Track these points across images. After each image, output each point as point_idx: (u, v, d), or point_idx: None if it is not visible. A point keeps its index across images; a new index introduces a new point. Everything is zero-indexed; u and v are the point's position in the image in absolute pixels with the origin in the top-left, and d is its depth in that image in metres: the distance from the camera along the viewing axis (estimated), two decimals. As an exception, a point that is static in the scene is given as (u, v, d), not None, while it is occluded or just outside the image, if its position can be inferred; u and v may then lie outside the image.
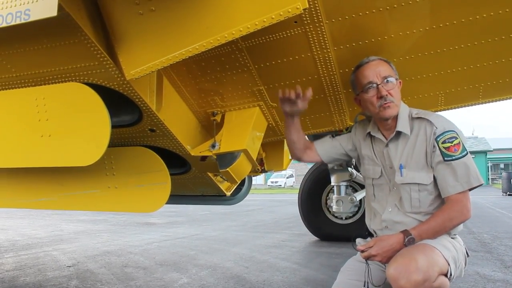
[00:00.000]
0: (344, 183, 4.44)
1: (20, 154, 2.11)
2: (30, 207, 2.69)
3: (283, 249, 4.87)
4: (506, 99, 2.47)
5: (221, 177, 3.17)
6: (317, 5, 1.90)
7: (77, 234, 6.44)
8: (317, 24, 2.00)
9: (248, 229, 7.03)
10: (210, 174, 3.04)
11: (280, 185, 38.81)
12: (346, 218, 5.17)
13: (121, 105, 2.10)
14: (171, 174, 2.36)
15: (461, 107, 2.55)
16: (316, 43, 2.10)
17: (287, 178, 40.27)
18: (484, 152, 41.71)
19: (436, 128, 1.73)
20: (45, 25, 1.67)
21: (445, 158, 1.70)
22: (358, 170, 4.07)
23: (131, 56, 1.80)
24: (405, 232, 1.64)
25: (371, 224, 1.95)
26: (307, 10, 1.88)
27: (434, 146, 1.72)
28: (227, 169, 2.48)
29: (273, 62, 2.24)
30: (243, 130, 2.44)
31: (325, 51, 2.14)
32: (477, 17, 1.98)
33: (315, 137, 4.36)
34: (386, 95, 1.77)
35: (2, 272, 3.76)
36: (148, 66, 1.76)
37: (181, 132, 2.43)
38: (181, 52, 1.69)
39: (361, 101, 1.89)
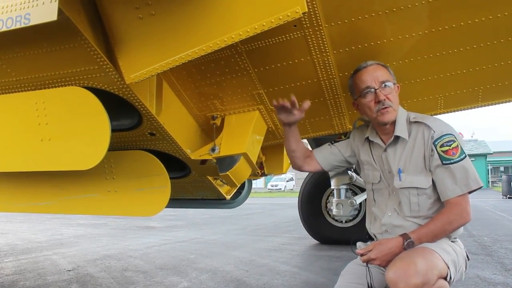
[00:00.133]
0: (344, 187, 4.45)
1: (20, 158, 2.12)
2: (30, 211, 2.69)
3: (283, 252, 4.86)
4: (505, 102, 2.47)
5: (221, 180, 3.17)
6: (316, 9, 1.91)
7: (77, 238, 6.43)
8: (316, 28, 2.01)
9: (248, 232, 7.02)
10: (210, 178, 3.05)
11: (280, 189, 38.79)
12: (346, 222, 5.16)
13: (121, 109, 2.10)
14: (171, 178, 2.36)
15: (461, 110, 2.55)
16: (316, 47, 2.10)
17: (287, 181, 40.27)
18: (484, 155, 41.65)
19: (434, 131, 1.73)
20: (45, 29, 1.67)
21: (444, 162, 1.69)
22: (358, 174, 4.08)
23: (131, 60, 1.80)
24: (405, 236, 1.63)
25: (371, 228, 1.95)
26: (306, 14, 1.88)
27: (432, 150, 1.72)
28: (227, 172, 2.48)
29: (273, 66, 2.25)
30: (243, 133, 2.44)
31: (324, 54, 2.15)
32: (476, 20, 1.99)
33: (315, 140, 4.42)
34: (384, 99, 1.77)
35: (1, 277, 3.75)
36: (148, 70, 1.77)
37: (181, 135, 2.43)
38: (181, 56, 1.70)
39: (359, 105, 1.89)
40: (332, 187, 4.48)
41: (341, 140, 2.09)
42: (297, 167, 2.13)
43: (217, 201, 3.72)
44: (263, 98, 2.43)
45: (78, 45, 1.78)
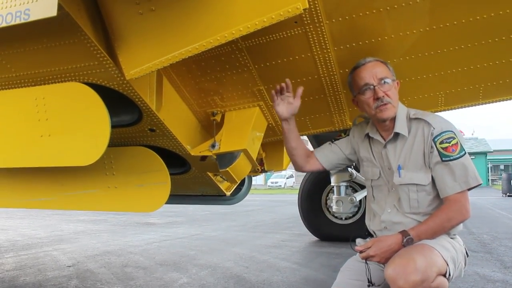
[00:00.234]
0: (344, 184, 4.44)
1: (20, 154, 2.12)
2: (30, 207, 2.70)
3: (283, 249, 4.87)
4: (506, 100, 2.47)
5: (221, 177, 3.17)
6: (317, 5, 1.90)
7: (77, 234, 6.44)
8: (317, 24, 2.00)
9: (248, 229, 7.03)
10: (210, 174, 3.04)
11: (280, 186, 38.81)
12: (346, 218, 5.17)
13: (121, 105, 2.10)
14: (171, 174, 2.36)
15: (461, 107, 2.55)
16: (316, 43, 2.10)
17: (287, 178, 40.28)
18: (484, 153, 41.66)
19: (434, 128, 1.73)
20: (45, 25, 1.67)
21: (443, 159, 1.69)
22: (358, 171, 4.07)
23: (131, 55, 1.80)
24: (404, 233, 1.63)
25: (370, 224, 1.95)
26: (307, 10, 1.88)
27: (431, 147, 1.72)
28: (227, 169, 2.48)
29: (273, 62, 2.24)
30: (243, 130, 2.44)
31: (325, 51, 2.14)
32: (477, 17, 1.98)
33: (315, 137, 4.41)
34: (383, 96, 1.77)
35: (2, 272, 3.76)
36: (148, 66, 1.76)
37: (181, 132, 2.43)
38: (181, 52, 1.69)
39: (359, 102, 1.89)
40: (332, 184, 4.47)
41: (341, 138, 2.09)
42: (298, 167, 2.11)
43: (217, 198, 3.72)
44: (264, 95, 2.43)
45: (78, 41, 1.78)
